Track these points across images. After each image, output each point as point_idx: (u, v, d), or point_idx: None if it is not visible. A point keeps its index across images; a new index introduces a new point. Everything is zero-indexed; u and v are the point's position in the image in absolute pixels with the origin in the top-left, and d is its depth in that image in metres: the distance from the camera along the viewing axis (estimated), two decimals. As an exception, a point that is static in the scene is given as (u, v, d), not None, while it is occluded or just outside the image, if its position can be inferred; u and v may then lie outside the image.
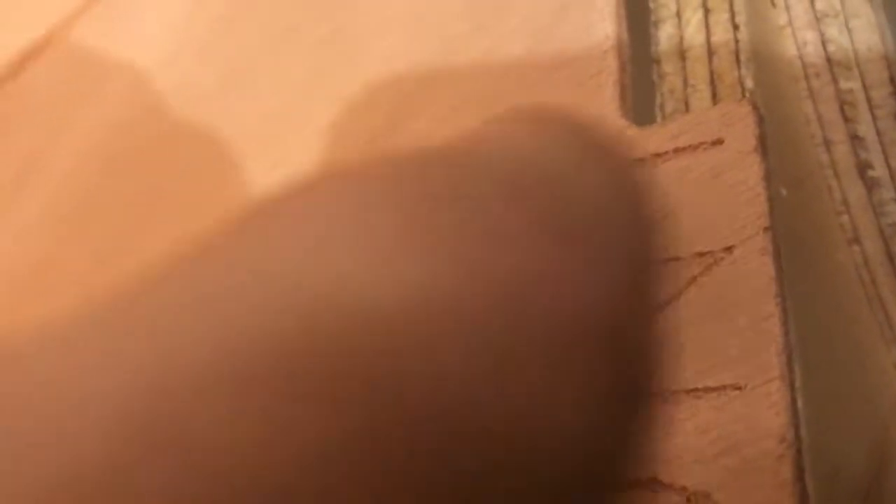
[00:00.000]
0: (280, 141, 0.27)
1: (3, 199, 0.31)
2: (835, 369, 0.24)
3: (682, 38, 0.23)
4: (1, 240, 0.31)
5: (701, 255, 0.18)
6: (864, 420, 0.23)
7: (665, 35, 0.23)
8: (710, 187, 0.19)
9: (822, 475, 0.20)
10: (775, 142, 0.22)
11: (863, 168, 0.25)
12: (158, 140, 0.30)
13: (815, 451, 0.19)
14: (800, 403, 0.18)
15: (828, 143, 0.25)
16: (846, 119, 0.24)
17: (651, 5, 0.24)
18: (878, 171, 0.24)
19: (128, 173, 0.30)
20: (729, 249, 0.18)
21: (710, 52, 0.22)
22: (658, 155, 0.20)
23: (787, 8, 0.25)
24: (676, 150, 0.19)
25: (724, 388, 0.17)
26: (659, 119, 0.22)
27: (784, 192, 0.22)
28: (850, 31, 0.24)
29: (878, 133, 0.24)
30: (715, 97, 0.22)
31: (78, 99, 0.33)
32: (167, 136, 0.30)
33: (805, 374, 0.20)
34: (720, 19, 0.23)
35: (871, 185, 0.25)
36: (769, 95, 0.23)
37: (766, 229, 0.18)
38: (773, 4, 0.24)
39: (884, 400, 0.25)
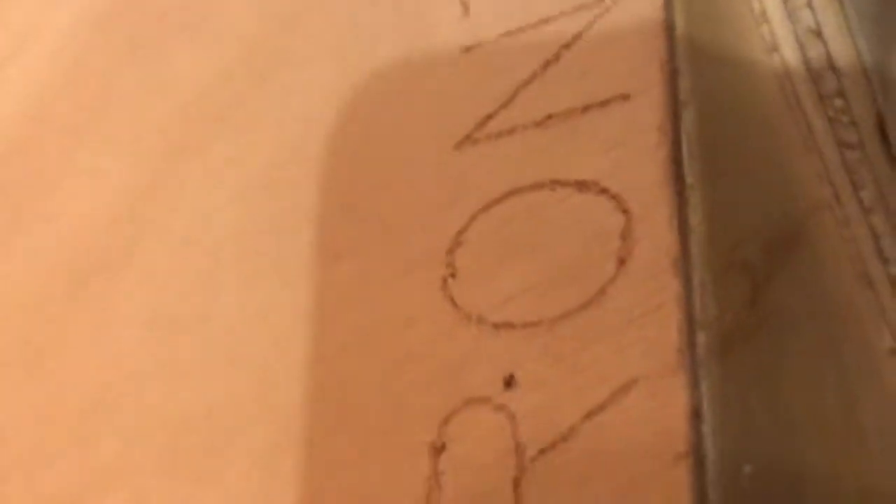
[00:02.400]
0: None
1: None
2: (751, 170, 0.26)
3: None
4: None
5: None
6: (776, 195, 0.25)
7: None
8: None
9: (717, 216, 0.22)
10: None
11: (777, -22, 0.27)
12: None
13: (717, 200, 0.22)
14: (687, 119, 0.21)
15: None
16: (758, -68, 0.27)
17: None
18: (790, -22, 0.26)
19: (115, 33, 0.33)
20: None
21: None
22: None
23: None
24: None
25: (613, 99, 0.19)
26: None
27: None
28: None
29: (788, -55, 0.26)
30: None
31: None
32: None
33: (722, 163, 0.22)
34: None
35: (785, -8, 0.27)
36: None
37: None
38: None
39: (799, 193, 0.27)
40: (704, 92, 0.23)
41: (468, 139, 0.21)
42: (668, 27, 0.20)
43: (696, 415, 0.16)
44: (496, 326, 0.19)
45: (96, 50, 0.33)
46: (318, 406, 0.20)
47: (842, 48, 0.28)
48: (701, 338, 0.19)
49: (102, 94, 0.32)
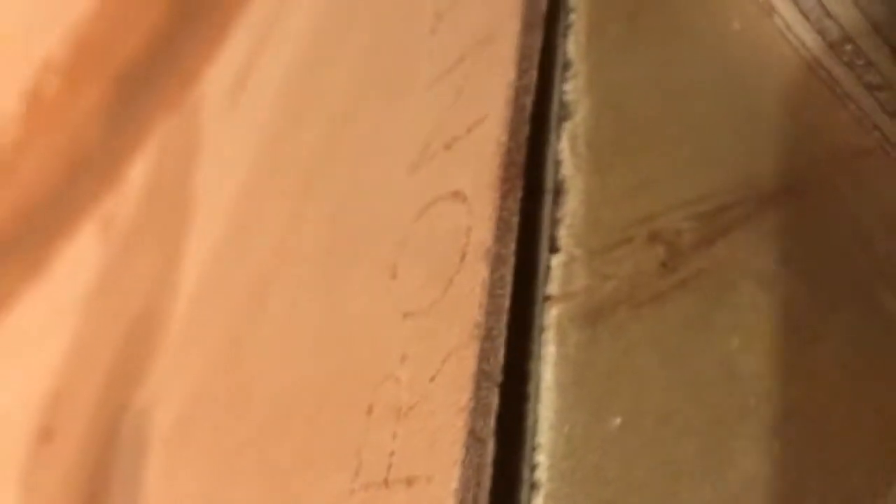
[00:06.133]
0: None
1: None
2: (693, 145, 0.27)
3: None
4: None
5: None
6: (738, 162, 0.26)
7: None
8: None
9: (607, 198, 0.24)
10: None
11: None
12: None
13: (611, 184, 0.24)
14: (580, 115, 0.24)
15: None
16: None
17: None
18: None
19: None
20: None
21: None
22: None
23: None
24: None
25: (478, 121, 0.23)
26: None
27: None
28: None
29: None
30: None
31: None
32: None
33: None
34: None
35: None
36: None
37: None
38: None
39: (814, 146, 0.27)
40: (615, 86, 0.25)
41: (414, 165, 0.27)
42: (521, 61, 0.23)
43: (484, 377, 0.20)
44: (405, 315, 0.24)
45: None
46: (299, 388, 0.27)
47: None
48: (553, 310, 0.22)
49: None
